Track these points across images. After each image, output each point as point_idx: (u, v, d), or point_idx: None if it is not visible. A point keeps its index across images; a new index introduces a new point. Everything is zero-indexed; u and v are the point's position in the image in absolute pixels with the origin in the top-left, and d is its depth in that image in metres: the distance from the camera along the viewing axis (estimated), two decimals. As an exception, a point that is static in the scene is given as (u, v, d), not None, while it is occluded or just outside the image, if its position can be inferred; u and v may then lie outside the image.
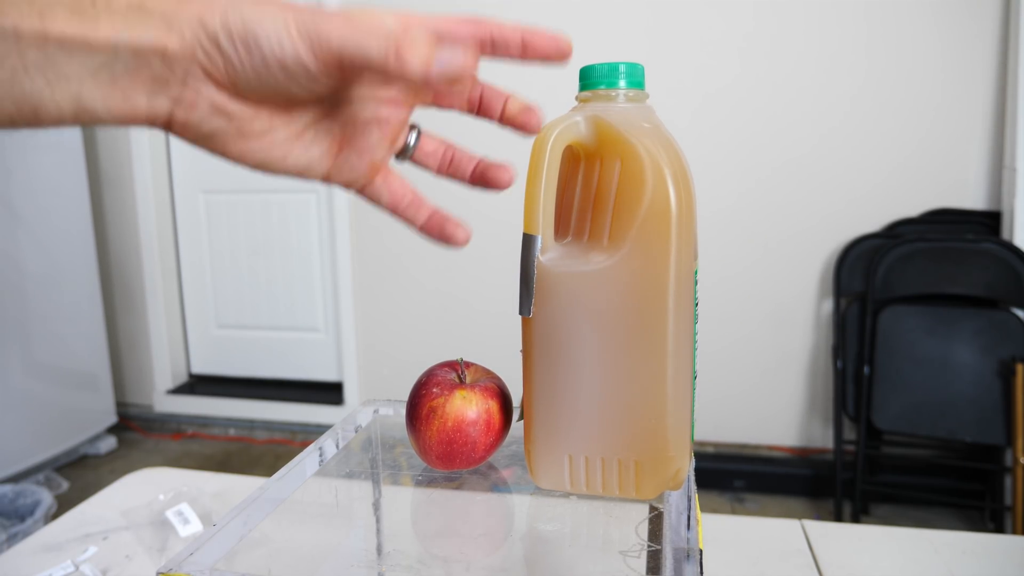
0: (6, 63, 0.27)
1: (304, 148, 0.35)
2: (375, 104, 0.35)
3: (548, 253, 0.43)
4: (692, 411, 0.45)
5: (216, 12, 0.29)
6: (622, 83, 0.43)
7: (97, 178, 2.71)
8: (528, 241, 0.42)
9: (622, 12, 2.17)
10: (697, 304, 0.44)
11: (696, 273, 0.43)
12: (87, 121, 0.29)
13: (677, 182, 0.40)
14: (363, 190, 0.38)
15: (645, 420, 0.42)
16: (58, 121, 0.29)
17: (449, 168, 0.40)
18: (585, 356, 0.43)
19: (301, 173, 0.35)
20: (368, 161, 0.36)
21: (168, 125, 0.31)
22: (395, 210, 0.39)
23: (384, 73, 0.29)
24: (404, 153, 0.39)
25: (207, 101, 0.31)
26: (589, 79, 0.43)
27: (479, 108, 0.39)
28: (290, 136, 0.34)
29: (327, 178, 0.36)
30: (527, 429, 0.46)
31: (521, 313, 0.44)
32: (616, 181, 0.41)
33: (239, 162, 0.34)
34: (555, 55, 0.34)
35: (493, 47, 0.34)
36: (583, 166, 0.43)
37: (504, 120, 0.38)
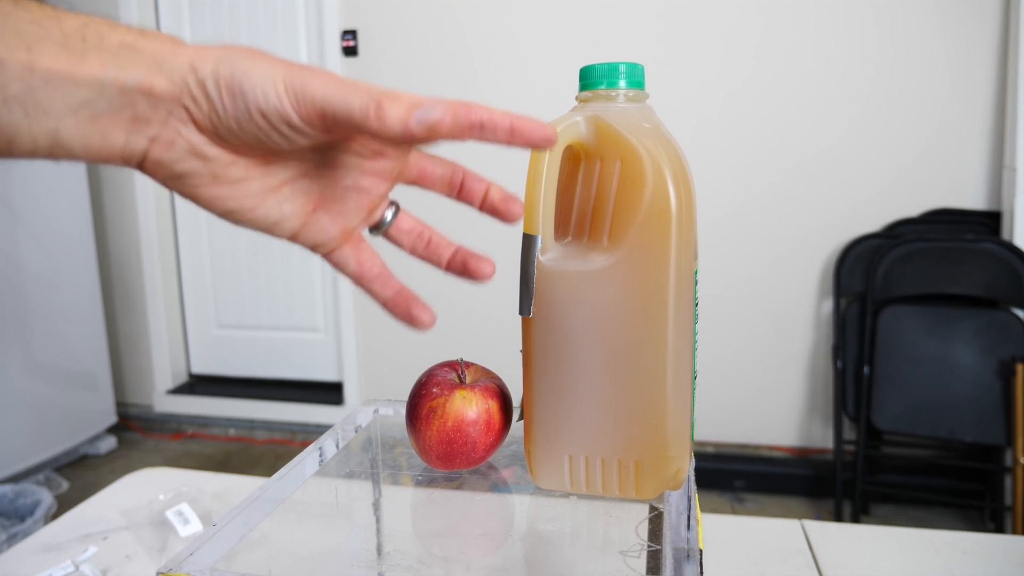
0: None
1: (277, 203, 0.34)
2: (358, 173, 0.35)
3: (548, 253, 0.43)
4: (692, 411, 0.45)
5: (208, 59, 0.29)
6: (622, 83, 0.43)
7: (97, 178, 2.71)
8: (528, 241, 0.42)
9: (625, 18, 2.17)
10: (697, 304, 0.44)
11: (696, 273, 0.43)
12: (61, 157, 0.29)
13: (677, 182, 0.40)
14: (329, 255, 0.37)
15: (645, 420, 0.42)
16: (31, 154, 0.28)
17: (425, 250, 0.39)
18: (585, 356, 0.43)
19: (268, 229, 0.34)
20: (341, 227, 0.36)
21: (141, 164, 0.31)
22: (359, 281, 0.38)
23: (365, 127, 0.29)
24: (379, 228, 0.38)
25: (185, 142, 0.30)
26: (589, 79, 0.43)
27: (460, 192, 0.38)
28: (265, 188, 0.33)
29: (294, 238, 0.35)
30: (527, 429, 0.46)
31: (521, 313, 0.44)
32: (616, 181, 0.41)
33: (207, 207, 0.33)
34: (541, 143, 0.33)
35: (481, 130, 0.32)
36: (583, 166, 0.43)
37: (484, 207, 0.38)
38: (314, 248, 0.36)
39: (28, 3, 0.27)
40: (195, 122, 0.30)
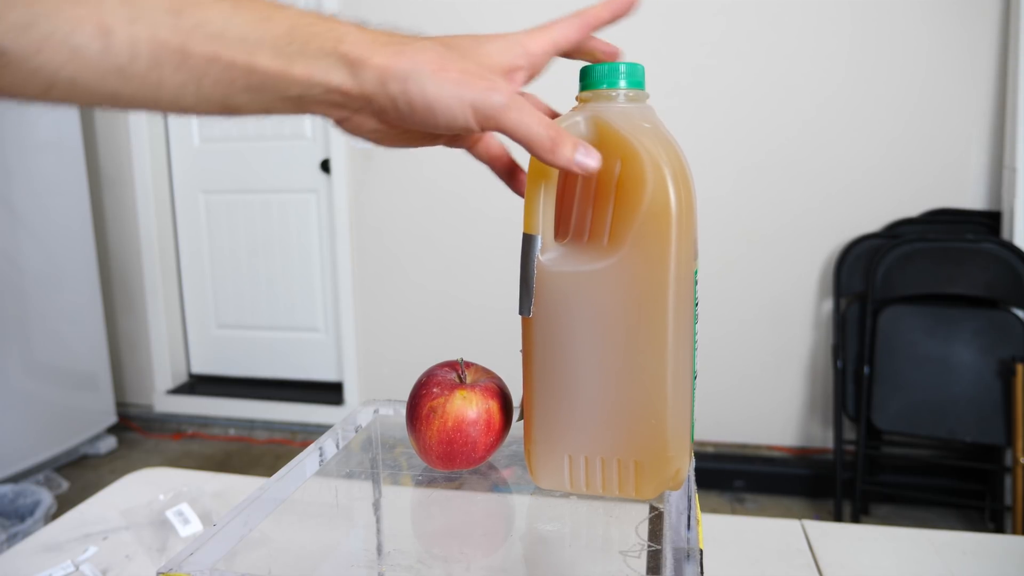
0: (220, 88, 0.33)
1: (436, 141, 0.42)
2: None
3: (548, 253, 0.43)
4: (692, 411, 0.45)
5: (397, 76, 0.34)
6: (622, 83, 0.43)
7: (97, 178, 2.71)
8: (528, 241, 0.42)
9: (625, 17, 2.17)
10: (697, 304, 0.44)
11: (696, 273, 0.43)
12: (273, 115, 0.37)
13: (677, 182, 0.40)
14: (468, 149, 0.45)
15: (645, 420, 0.42)
16: (248, 115, 0.36)
17: (498, 169, 0.47)
18: (585, 356, 0.43)
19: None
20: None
21: (337, 125, 0.38)
22: (491, 167, 0.46)
23: (537, 155, 0.37)
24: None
25: (370, 126, 0.37)
26: (589, 79, 0.43)
27: (511, 180, 0.47)
28: (410, 138, 0.41)
29: (442, 144, 0.44)
30: (527, 429, 0.46)
31: (521, 313, 0.44)
32: (616, 181, 0.41)
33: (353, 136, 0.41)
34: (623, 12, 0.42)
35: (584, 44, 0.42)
36: (583, 166, 0.43)
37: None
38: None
39: (243, 6, 0.33)
40: (380, 118, 0.36)
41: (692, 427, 0.46)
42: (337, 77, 0.34)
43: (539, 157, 0.36)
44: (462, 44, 0.36)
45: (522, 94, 0.40)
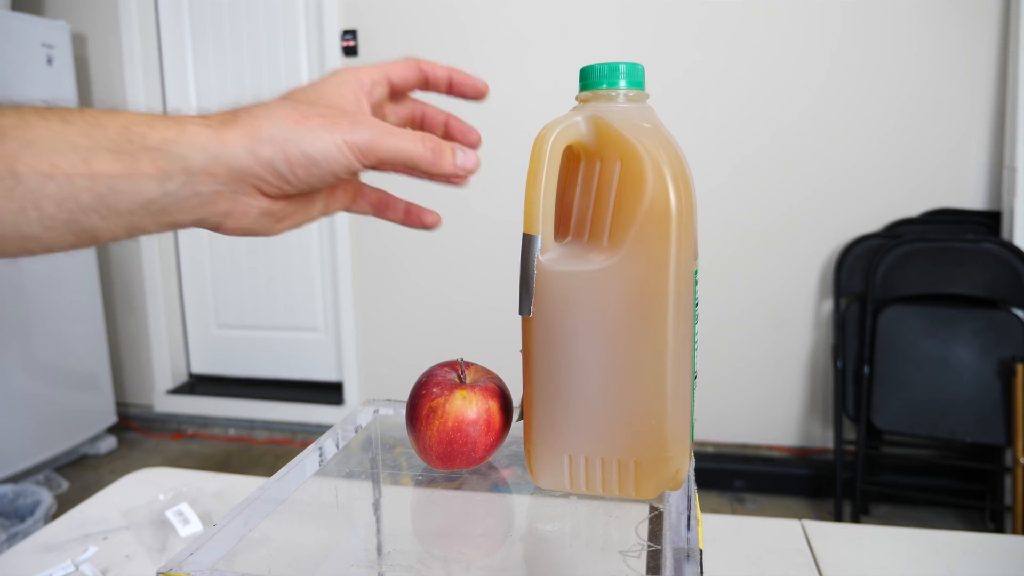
0: (65, 207, 0.30)
1: (319, 208, 0.42)
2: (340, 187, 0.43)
3: (548, 253, 0.43)
4: (692, 411, 0.45)
5: (264, 141, 0.33)
6: (622, 83, 0.43)
7: (97, 178, 2.71)
8: (528, 241, 0.42)
9: (625, 18, 2.17)
10: (697, 304, 0.44)
11: (696, 273, 0.43)
12: (140, 235, 0.34)
13: (677, 182, 0.40)
14: (349, 208, 0.45)
15: (645, 420, 0.42)
16: (113, 241, 0.33)
17: (384, 211, 0.46)
18: (585, 356, 0.43)
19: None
20: (332, 210, 0.44)
21: (216, 229, 0.36)
22: (378, 215, 0.46)
23: (426, 171, 0.37)
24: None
25: (256, 209, 0.35)
26: (589, 79, 0.43)
27: (384, 210, 0.46)
28: (299, 212, 0.40)
29: (324, 214, 0.44)
30: (527, 429, 0.46)
31: (521, 313, 0.44)
32: (616, 181, 0.41)
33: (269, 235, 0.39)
34: (473, 95, 0.44)
35: (426, 83, 0.43)
36: (583, 166, 0.43)
37: (405, 221, 0.46)
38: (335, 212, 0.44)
39: (72, 117, 0.30)
40: (263, 193, 0.35)
41: (692, 427, 0.46)
42: (198, 161, 0.31)
43: (425, 172, 0.38)
44: (303, 95, 0.37)
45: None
